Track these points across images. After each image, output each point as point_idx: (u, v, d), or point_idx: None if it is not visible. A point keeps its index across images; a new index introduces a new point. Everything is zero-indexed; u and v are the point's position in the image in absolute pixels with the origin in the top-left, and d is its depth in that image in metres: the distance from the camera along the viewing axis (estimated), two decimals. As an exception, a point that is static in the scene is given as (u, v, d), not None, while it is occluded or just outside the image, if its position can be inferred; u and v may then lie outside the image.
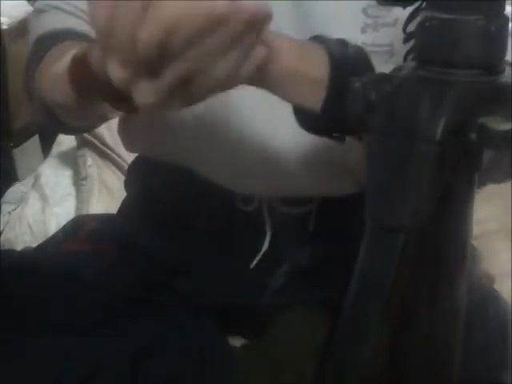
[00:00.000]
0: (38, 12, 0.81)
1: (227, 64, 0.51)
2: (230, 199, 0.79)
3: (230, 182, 0.77)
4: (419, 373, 0.53)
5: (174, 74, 0.50)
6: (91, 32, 0.74)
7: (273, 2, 0.72)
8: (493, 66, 0.48)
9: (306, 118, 0.61)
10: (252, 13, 0.50)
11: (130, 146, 0.88)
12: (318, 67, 0.58)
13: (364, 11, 0.71)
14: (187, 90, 0.52)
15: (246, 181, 0.77)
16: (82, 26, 0.76)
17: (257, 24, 0.51)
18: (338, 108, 0.57)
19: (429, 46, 0.49)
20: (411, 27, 0.71)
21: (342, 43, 0.59)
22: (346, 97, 0.57)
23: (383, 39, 0.72)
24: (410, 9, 0.71)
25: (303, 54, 0.57)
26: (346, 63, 0.58)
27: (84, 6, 0.76)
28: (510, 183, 0.65)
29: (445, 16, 0.48)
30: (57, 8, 0.79)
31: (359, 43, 0.71)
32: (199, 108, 0.62)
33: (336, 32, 0.71)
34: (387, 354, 0.52)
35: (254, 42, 0.52)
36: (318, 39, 0.59)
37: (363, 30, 0.71)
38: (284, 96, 0.59)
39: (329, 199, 0.78)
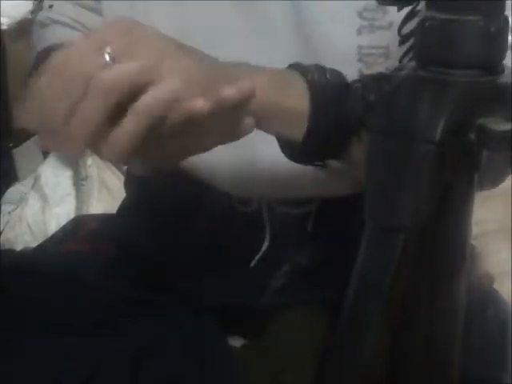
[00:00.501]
0: (40, 25, 0.85)
1: (211, 134, 0.54)
2: (229, 200, 0.79)
3: (228, 185, 0.77)
4: (419, 373, 0.53)
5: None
6: None
7: (268, 2, 0.73)
8: (492, 67, 0.48)
9: (288, 148, 0.61)
10: (234, 101, 0.52)
11: None
12: (298, 99, 0.58)
13: (359, 14, 0.72)
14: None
15: (244, 183, 0.77)
16: None
17: (241, 105, 0.53)
18: (320, 137, 0.59)
19: (428, 46, 0.49)
20: (406, 30, 0.72)
21: (321, 70, 0.60)
22: (327, 125, 0.57)
23: (379, 41, 0.72)
24: (404, 12, 0.72)
25: (281, 87, 0.58)
26: (326, 91, 0.59)
27: (81, 18, 0.81)
28: (510, 183, 0.65)
29: (444, 16, 0.48)
30: (57, 22, 0.82)
31: (355, 45, 0.72)
32: None
33: (332, 34, 0.72)
34: (387, 353, 0.53)
35: (240, 115, 0.54)
36: (296, 67, 0.60)
37: (359, 32, 0.72)
38: (265, 129, 0.60)
39: (328, 199, 0.78)
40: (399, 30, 0.71)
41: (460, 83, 0.48)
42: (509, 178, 0.60)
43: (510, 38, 0.49)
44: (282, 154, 0.74)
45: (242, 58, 0.63)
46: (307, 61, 0.70)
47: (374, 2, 0.67)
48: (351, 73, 0.70)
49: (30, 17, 1.50)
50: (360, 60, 0.72)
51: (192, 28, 0.78)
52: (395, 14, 0.71)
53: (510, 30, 0.49)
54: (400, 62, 0.71)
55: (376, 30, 0.71)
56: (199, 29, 0.78)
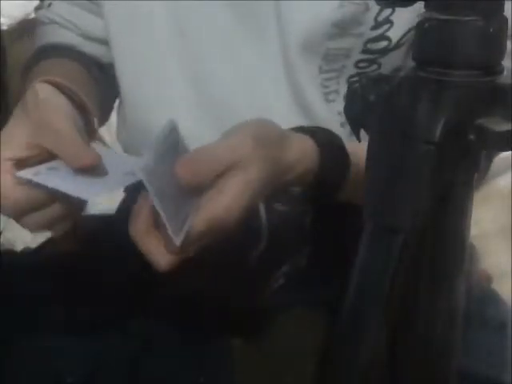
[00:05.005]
0: (40, 23, 0.90)
1: None
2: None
3: None
4: (419, 373, 0.53)
5: None
6: (81, 44, 0.87)
7: (256, 4, 0.75)
8: (491, 67, 0.49)
9: None
10: None
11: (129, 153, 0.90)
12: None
13: (335, 24, 0.77)
14: None
15: None
16: (74, 39, 0.87)
17: None
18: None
19: (427, 46, 0.49)
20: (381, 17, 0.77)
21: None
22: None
23: (345, 44, 0.79)
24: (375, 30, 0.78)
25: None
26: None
27: (75, 18, 0.87)
28: (510, 183, 0.66)
29: (443, 17, 0.48)
30: (53, 22, 0.88)
31: (324, 48, 0.78)
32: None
33: (306, 37, 0.76)
34: (387, 353, 0.53)
35: None
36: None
37: (330, 37, 0.78)
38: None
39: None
40: (376, 17, 0.77)
41: (459, 84, 0.48)
42: (509, 178, 0.61)
43: (509, 43, 0.50)
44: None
45: (236, 54, 0.72)
46: (283, 52, 0.78)
47: (351, 16, 0.73)
48: (313, 66, 0.79)
49: (30, 17, 1.50)
50: (324, 58, 0.79)
51: (191, 28, 0.79)
52: (367, 29, 0.75)
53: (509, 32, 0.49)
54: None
55: (346, 36, 0.78)
56: (198, 29, 0.79)
